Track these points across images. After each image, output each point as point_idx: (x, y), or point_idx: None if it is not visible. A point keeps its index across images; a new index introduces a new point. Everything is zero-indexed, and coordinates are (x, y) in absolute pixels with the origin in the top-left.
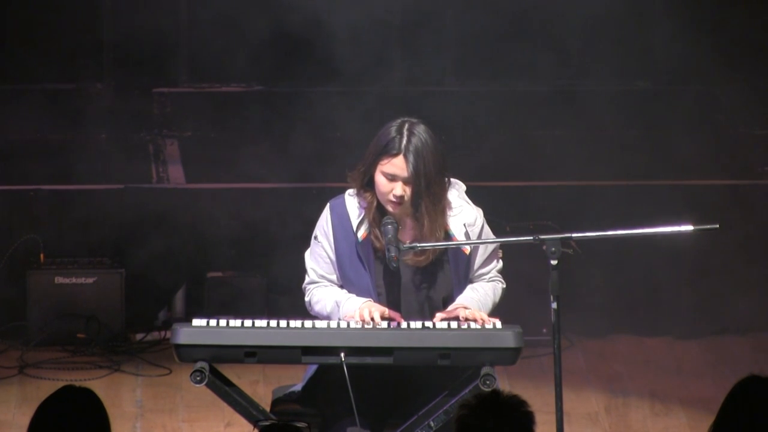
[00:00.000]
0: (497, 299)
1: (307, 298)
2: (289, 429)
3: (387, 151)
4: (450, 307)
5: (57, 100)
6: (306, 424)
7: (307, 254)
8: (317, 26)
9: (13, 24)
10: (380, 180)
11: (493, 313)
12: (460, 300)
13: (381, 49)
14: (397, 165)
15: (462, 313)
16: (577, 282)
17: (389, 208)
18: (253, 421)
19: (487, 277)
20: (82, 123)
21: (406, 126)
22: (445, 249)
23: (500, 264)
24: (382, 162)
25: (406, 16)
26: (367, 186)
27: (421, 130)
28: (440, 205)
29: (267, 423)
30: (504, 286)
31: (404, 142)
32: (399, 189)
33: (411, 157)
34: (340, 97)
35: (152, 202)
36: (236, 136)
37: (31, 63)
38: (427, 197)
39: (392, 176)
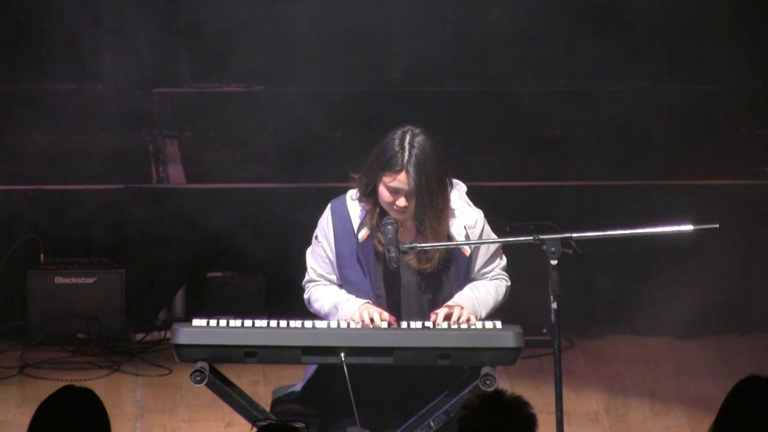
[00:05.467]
0: (500, 297)
1: (306, 296)
2: (286, 429)
3: (389, 167)
4: (447, 303)
5: (57, 100)
6: (304, 424)
7: (308, 252)
8: (315, 26)
9: (13, 24)
10: (383, 192)
11: (495, 313)
12: (456, 298)
13: (381, 49)
14: (400, 180)
15: (455, 315)
16: (577, 282)
17: (393, 215)
18: (252, 420)
19: (490, 275)
20: (82, 123)
21: (407, 138)
22: (448, 250)
23: (503, 261)
24: (385, 177)
25: (406, 15)
26: (369, 195)
27: (422, 141)
28: (444, 215)
29: (264, 423)
30: (508, 284)
31: (406, 157)
32: (402, 201)
33: (413, 173)
34: (339, 97)
35: (152, 202)
36: (236, 136)
37: (31, 63)
38: (431, 210)
39: (395, 190)
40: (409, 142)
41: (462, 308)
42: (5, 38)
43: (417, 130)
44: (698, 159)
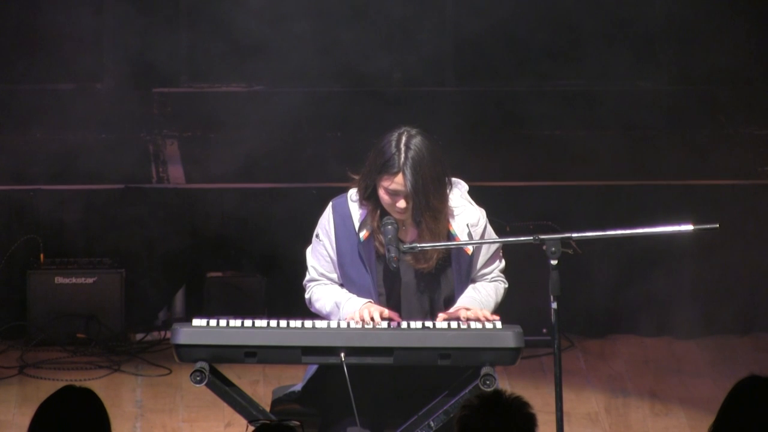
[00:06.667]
0: (499, 299)
1: (307, 296)
2: (282, 428)
3: (386, 170)
4: (452, 309)
5: (57, 100)
6: (299, 423)
7: (309, 251)
8: (315, 26)
9: (13, 24)
10: (383, 195)
11: (494, 313)
12: (462, 301)
13: (381, 49)
14: (398, 182)
15: (463, 314)
16: (577, 282)
17: (395, 216)
18: (249, 420)
19: (489, 277)
20: (82, 123)
21: (404, 140)
22: (448, 250)
23: (502, 263)
24: (383, 180)
25: (406, 15)
26: (369, 197)
27: (418, 142)
28: (441, 216)
29: (260, 422)
30: (506, 285)
31: (402, 159)
32: (402, 203)
33: (409, 175)
34: (338, 97)
35: (152, 202)
36: (236, 136)
37: (31, 63)
38: (428, 211)
39: (394, 192)
40: (405, 143)
41: (468, 310)
42: (5, 38)
43: (413, 131)
44: (698, 159)
